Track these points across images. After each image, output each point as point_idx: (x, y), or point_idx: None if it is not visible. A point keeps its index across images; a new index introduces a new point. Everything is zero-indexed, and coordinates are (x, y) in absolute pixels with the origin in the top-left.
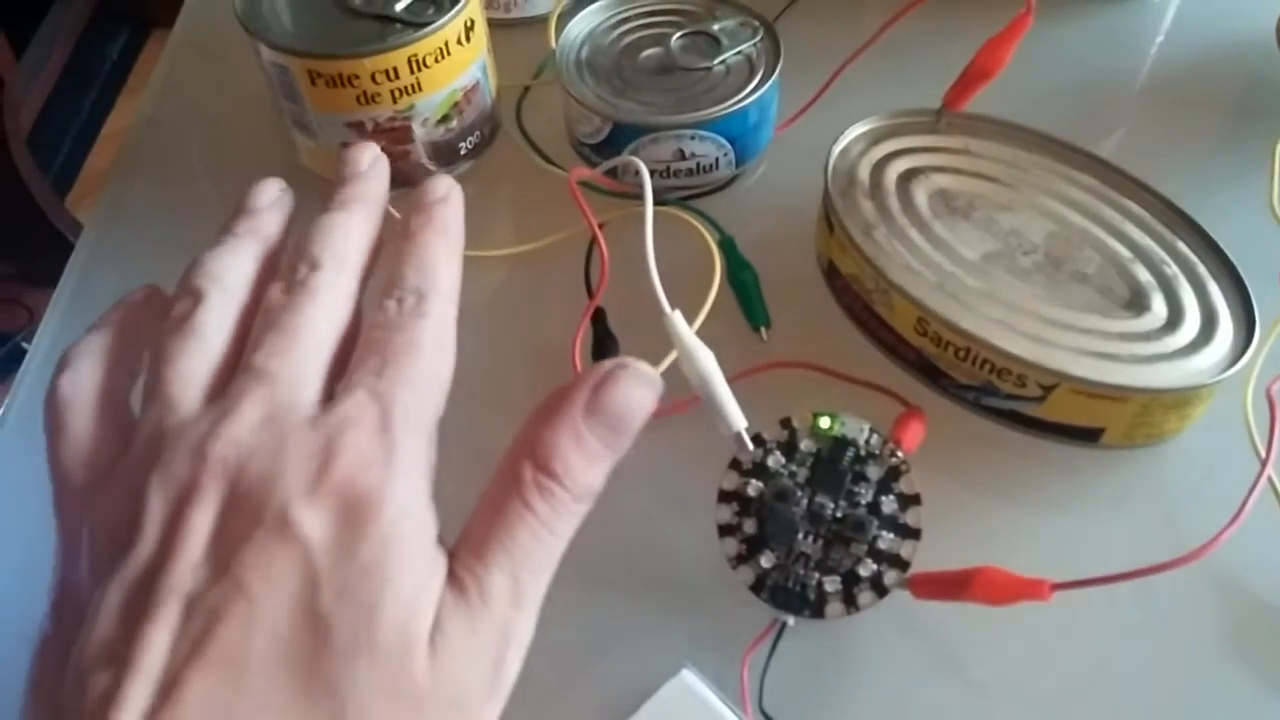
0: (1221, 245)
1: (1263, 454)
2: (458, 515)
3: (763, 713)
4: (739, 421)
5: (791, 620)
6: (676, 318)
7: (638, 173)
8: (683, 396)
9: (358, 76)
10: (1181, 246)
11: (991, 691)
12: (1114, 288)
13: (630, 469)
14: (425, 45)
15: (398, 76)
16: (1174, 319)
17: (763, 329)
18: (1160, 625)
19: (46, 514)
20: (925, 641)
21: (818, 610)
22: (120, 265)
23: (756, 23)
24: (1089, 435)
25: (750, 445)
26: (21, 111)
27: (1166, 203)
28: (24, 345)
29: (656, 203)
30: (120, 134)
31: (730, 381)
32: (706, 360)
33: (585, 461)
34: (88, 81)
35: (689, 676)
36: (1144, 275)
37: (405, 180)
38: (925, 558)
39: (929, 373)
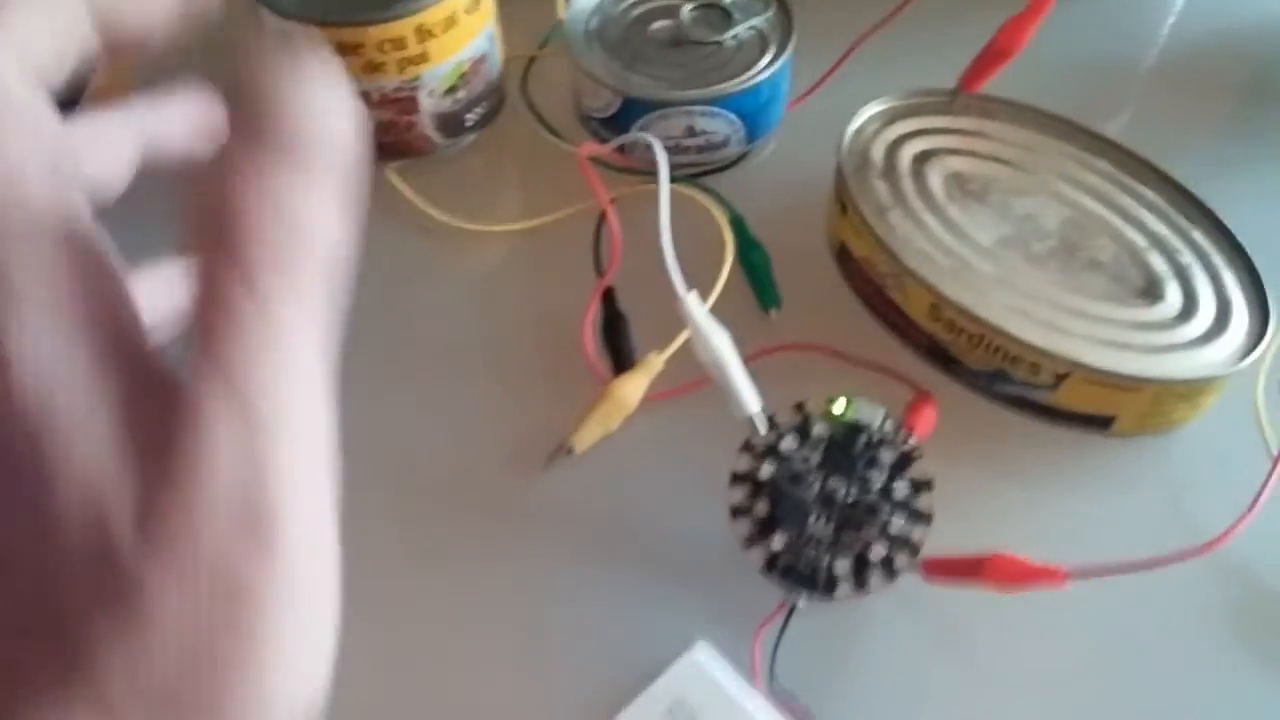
0: (1236, 235)
1: (1274, 447)
2: (461, 489)
3: (774, 685)
4: (753, 404)
5: (802, 601)
6: (692, 299)
7: (649, 148)
8: (693, 376)
9: (363, 45)
10: (1197, 235)
11: (998, 673)
12: (1128, 276)
13: (642, 450)
14: (432, 14)
15: (404, 46)
16: (1188, 309)
17: (773, 310)
18: (1169, 612)
19: None
20: (934, 623)
21: (828, 591)
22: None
23: None
24: (1100, 423)
25: (764, 427)
26: None
27: (1182, 190)
28: None
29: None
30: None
31: (741, 362)
32: (722, 342)
33: None
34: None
35: (704, 649)
36: (1159, 264)
37: (413, 150)
38: (936, 541)
39: (941, 358)
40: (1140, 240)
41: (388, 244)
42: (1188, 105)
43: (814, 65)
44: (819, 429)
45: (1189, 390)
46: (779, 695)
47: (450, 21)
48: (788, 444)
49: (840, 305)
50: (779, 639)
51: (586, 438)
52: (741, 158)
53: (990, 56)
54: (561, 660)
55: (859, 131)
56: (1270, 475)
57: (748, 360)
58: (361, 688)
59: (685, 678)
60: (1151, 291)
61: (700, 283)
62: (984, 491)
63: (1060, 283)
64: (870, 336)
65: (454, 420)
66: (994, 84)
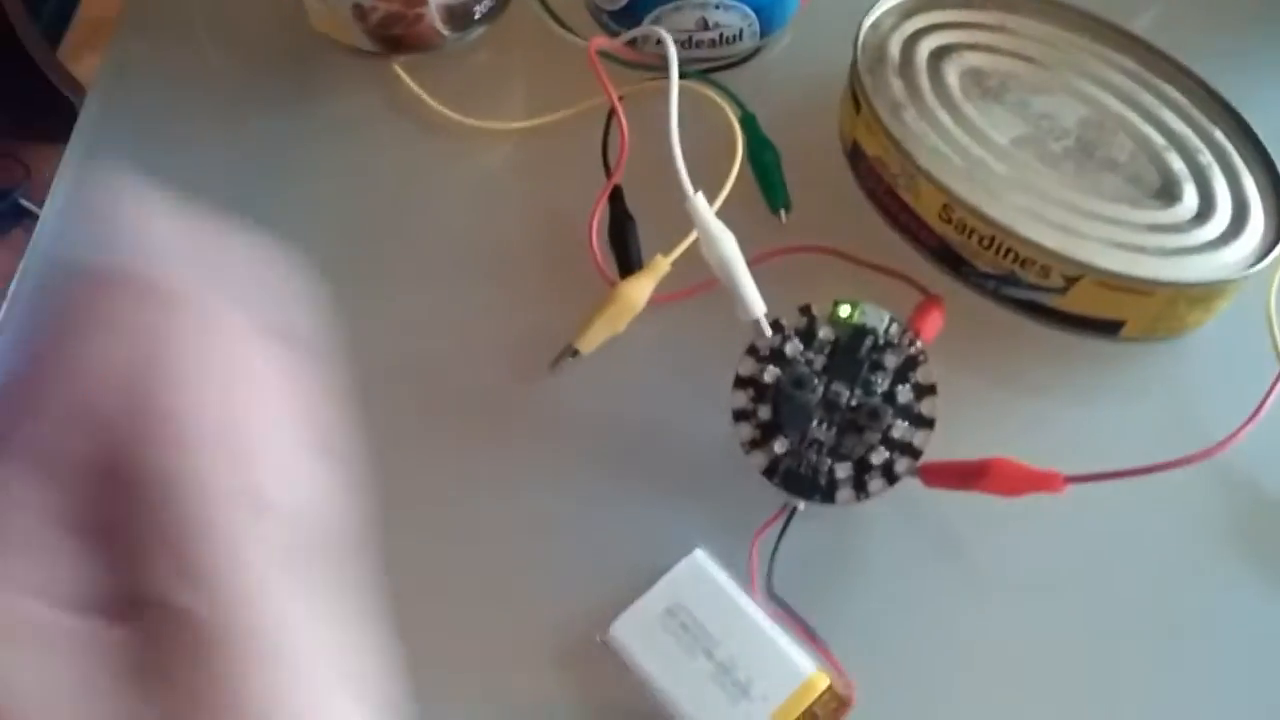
0: (1259, 134)
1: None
2: (465, 390)
3: (770, 593)
4: (758, 307)
5: (802, 505)
6: (699, 200)
7: (660, 42)
8: (700, 279)
9: None
10: (1218, 134)
11: (996, 580)
12: (1145, 176)
13: (647, 353)
14: None
15: None
16: (1204, 210)
17: (782, 211)
18: (1171, 519)
19: None
20: (933, 529)
21: (828, 496)
22: (129, 129)
23: None
24: (1109, 328)
25: (768, 331)
26: None
27: (1206, 88)
28: (21, 201)
29: (679, 76)
30: None
31: (748, 265)
32: (728, 244)
33: None
34: None
35: (701, 556)
36: (1177, 164)
37: (420, 44)
38: (938, 448)
39: (951, 261)
40: (1159, 139)
41: (394, 140)
42: (1219, 3)
43: None
44: (824, 332)
45: (1201, 294)
46: (775, 603)
47: None
48: (792, 347)
49: (851, 207)
50: (777, 544)
51: (592, 339)
52: (755, 53)
53: None
54: (563, 562)
55: (876, 25)
56: (1275, 383)
57: (756, 262)
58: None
59: (684, 581)
60: (1168, 193)
61: (710, 182)
62: (989, 398)
63: (1075, 183)
64: (880, 239)
65: (458, 321)
66: None
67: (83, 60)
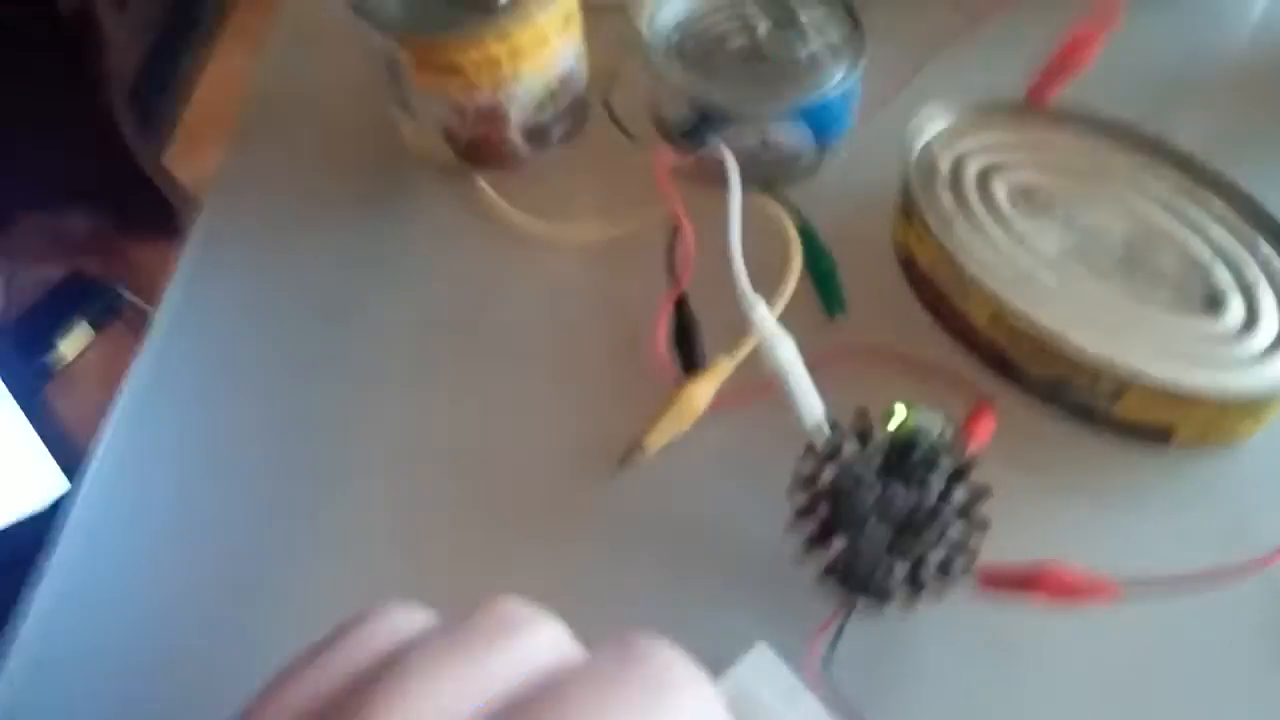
0: None
1: None
2: (532, 488)
3: (830, 688)
4: (816, 409)
5: (860, 605)
6: (761, 308)
7: (723, 161)
8: (761, 382)
9: (460, 63)
10: (1263, 246)
11: (1049, 687)
12: (1192, 288)
13: (708, 453)
14: (524, 35)
15: (498, 64)
16: (1251, 322)
17: (839, 316)
18: (1225, 631)
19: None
20: (987, 635)
21: (885, 595)
22: (237, 233)
23: (843, 12)
24: (1160, 435)
25: (827, 432)
26: (123, 65)
27: (1250, 201)
28: (123, 293)
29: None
30: (214, 90)
31: (807, 367)
32: (787, 350)
33: None
34: (185, 36)
35: (763, 650)
36: (1224, 276)
37: (499, 162)
38: (993, 550)
39: (1003, 366)
40: (1206, 252)
41: (477, 247)
42: (1261, 117)
43: (886, 75)
44: (879, 435)
45: (1250, 405)
46: (834, 698)
47: (541, 41)
48: (849, 450)
49: (905, 312)
50: (835, 643)
51: (659, 437)
52: (813, 168)
53: (1056, 70)
54: None
55: (926, 143)
56: None
57: (813, 365)
58: None
59: (746, 677)
60: (1215, 304)
61: (770, 288)
62: (1042, 502)
63: (1123, 294)
64: (934, 344)
65: (528, 421)
66: (1067, 93)
67: (184, 165)
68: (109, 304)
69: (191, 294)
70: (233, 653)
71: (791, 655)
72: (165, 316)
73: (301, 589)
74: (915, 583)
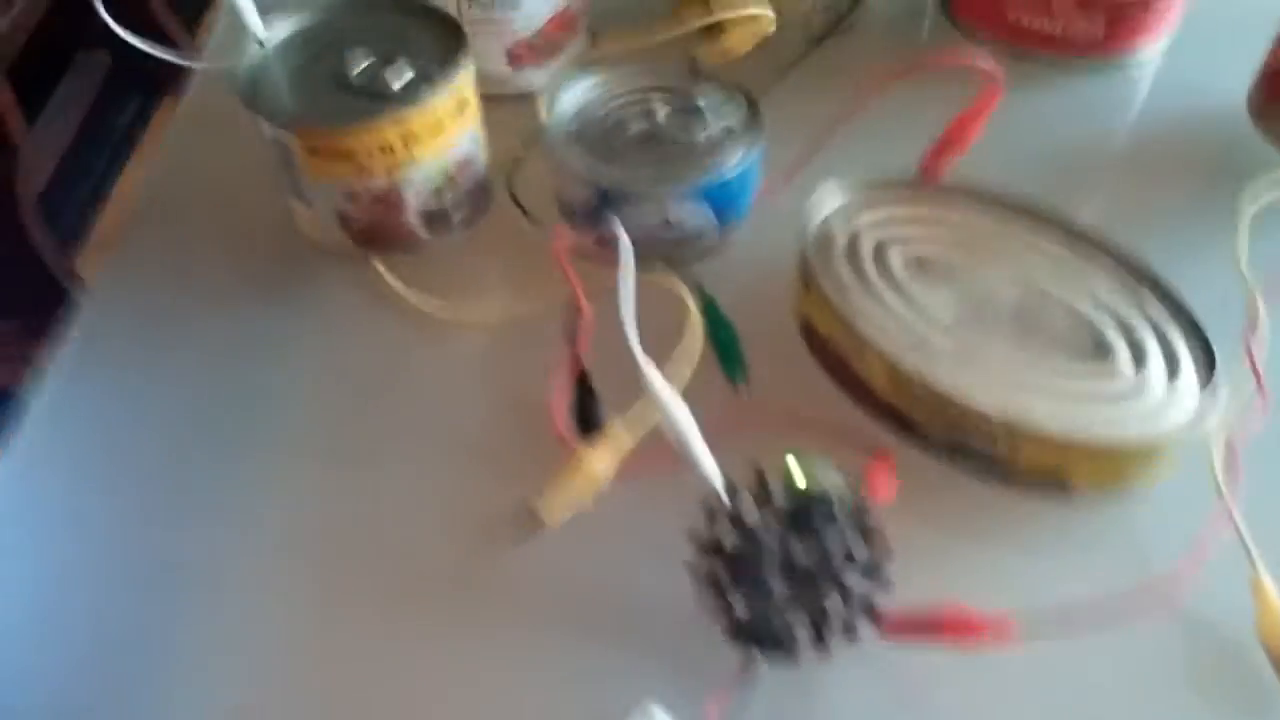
0: (1187, 304)
1: (1226, 504)
2: (431, 566)
3: None
4: (713, 473)
5: (763, 664)
6: (652, 373)
7: (616, 237)
8: (662, 451)
9: (352, 149)
10: (1149, 305)
11: None
12: (1082, 344)
13: (609, 517)
14: (418, 120)
15: (391, 149)
16: (1139, 376)
17: (741, 385)
18: (1127, 668)
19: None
20: (895, 684)
21: (789, 654)
22: (127, 320)
23: (741, 97)
24: (1059, 485)
25: (724, 495)
26: (34, 175)
27: (1135, 263)
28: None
29: (643, 268)
30: (131, 194)
31: (708, 434)
32: (681, 416)
33: None
34: (99, 147)
35: (658, 712)
36: (1112, 334)
37: (398, 245)
38: (898, 604)
39: (904, 426)
40: (1094, 312)
41: (374, 331)
42: (1148, 187)
43: (784, 154)
44: (779, 495)
45: (1140, 452)
46: None
47: (436, 127)
48: (748, 511)
49: (807, 379)
50: (740, 705)
51: (554, 505)
52: (715, 245)
53: (945, 147)
54: None
55: (824, 218)
56: (1214, 528)
57: (717, 432)
58: None
59: None
60: (1104, 360)
61: (671, 361)
62: (945, 554)
63: (1017, 354)
64: (836, 408)
65: (428, 500)
66: (959, 170)
67: (96, 270)
68: (11, 411)
69: (69, 384)
70: None
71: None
72: (39, 408)
73: (193, 681)
74: (819, 638)
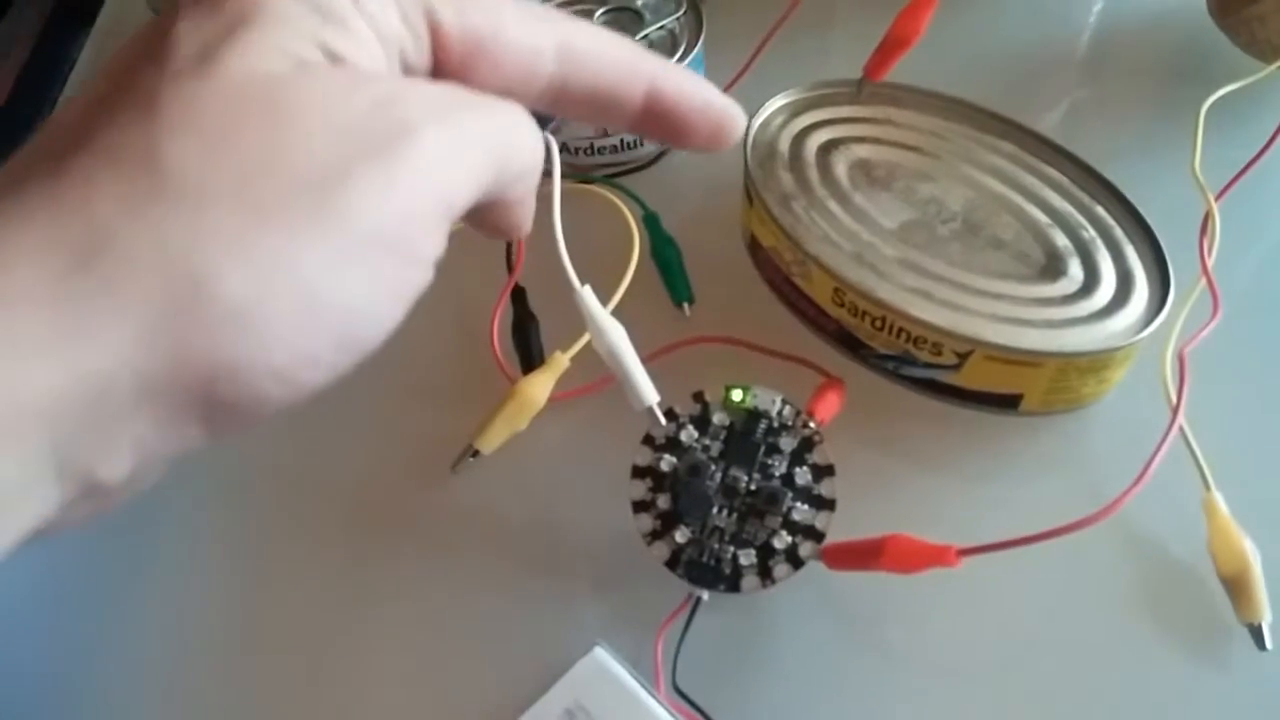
0: (1140, 209)
1: (1175, 418)
2: (369, 496)
3: (676, 689)
4: (650, 396)
5: (706, 595)
6: (586, 293)
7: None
8: (598, 376)
9: None
10: (1100, 211)
11: (908, 660)
12: (1030, 253)
13: (550, 450)
14: None
15: None
16: (1090, 283)
17: (686, 305)
18: (1073, 588)
19: None
20: (842, 612)
21: (733, 584)
22: None
23: None
24: (1007, 402)
25: (662, 420)
26: None
27: (1086, 168)
28: None
29: (583, 180)
30: None
31: (651, 358)
32: (615, 335)
33: None
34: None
35: (601, 654)
36: (1061, 240)
37: None
38: (844, 529)
39: (849, 343)
40: (1042, 217)
41: None
42: (1104, 89)
43: (727, 64)
44: (718, 418)
45: (1091, 364)
46: (677, 699)
47: None
48: (687, 435)
49: (753, 297)
50: (682, 637)
51: (492, 438)
52: (658, 158)
53: (890, 45)
54: (461, 665)
55: (765, 124)
56: (1161, 445)
57: (660, 354)
58: (263, 692)
59: (583, 681)
60: (1053, 267)
61: (614, 280)
62: (893, 476)
63: (963, 263)
64: (782, 326)
65: (361, 428)
66: (910, 72)
67: None
68: None
69: None
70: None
71: (636, 655)
72: None
73: (139, 614)
74: (763, 569)
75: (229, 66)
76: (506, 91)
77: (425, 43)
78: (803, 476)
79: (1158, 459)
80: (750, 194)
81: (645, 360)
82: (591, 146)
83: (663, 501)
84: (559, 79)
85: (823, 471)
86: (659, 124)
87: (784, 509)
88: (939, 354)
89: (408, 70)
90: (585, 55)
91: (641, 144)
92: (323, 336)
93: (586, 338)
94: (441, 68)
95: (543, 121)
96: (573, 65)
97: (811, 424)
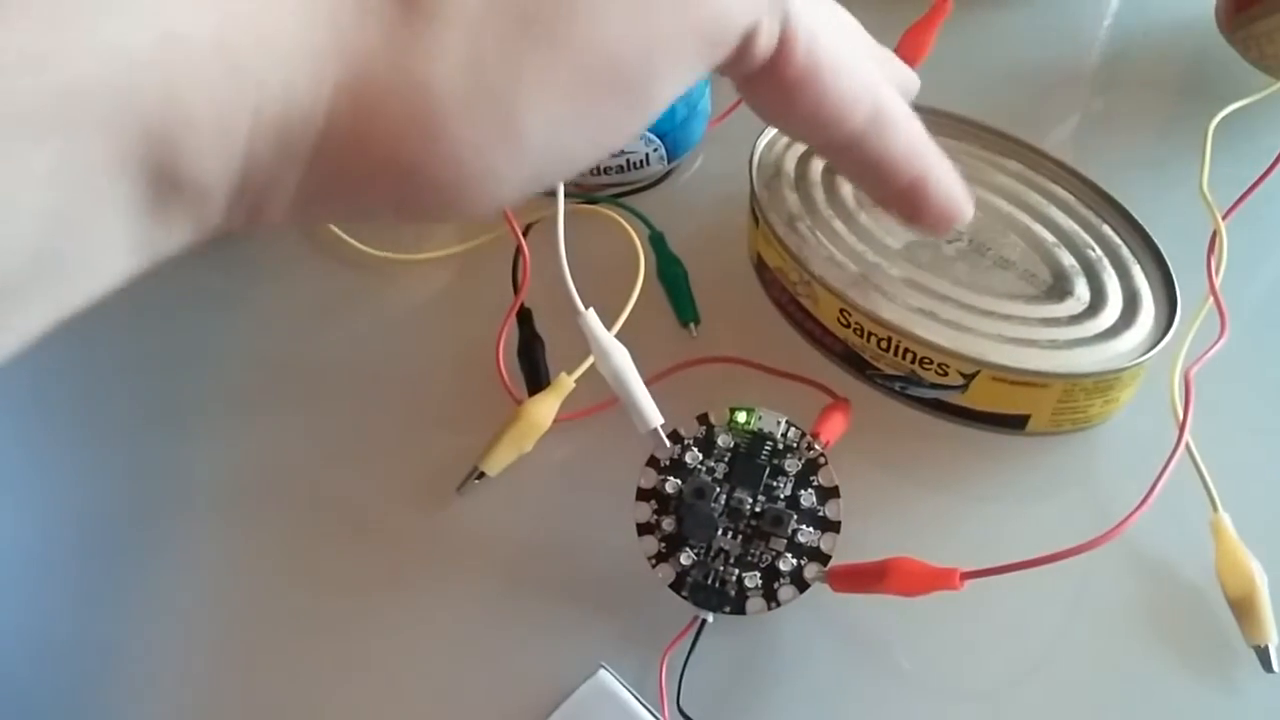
0: (1147, 227)
1: (1181, 438)
2: (376, 518)
3: (681, 712)
4: (654, 419)
5: (711, 617)
6: (590, 316)
7: None
8: (604, 398)
9: None
10: (1106, 230)
11: (914, 683)
12: (1037, 273)
13: (555, 471)
14: None
15: None
16: (1096, 303)
17: (692, 325)
18: (1079, 609)
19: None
20: (847, 634)
21: (738, 607)
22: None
23: None
24: (1014, 422)
25: (667, 442)
26: None
27: (1092, 186)
28: None
29: (588, 201)
30: None
31: (656, 379)
32: (619, 359)
33: None
34: None
35: (605, 677)
36: (1067, 259)
37: None
38: (850, 550)
39: (855, 364)
40: (1049, 237)
41: (311, 276)
42: (1110, 107)
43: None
44: (723, 440)
45: (1097, 384)
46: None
47: None
48: (692, 457)
49: (759, 318)
50: (687, 660)
51: (498, 460)
52: (665, 177)
53: None
54: (466, 687)
55: (771, 144)
56: (1166, 465)
57: (664, 375)
58: (266, 716)
59: (588, 704)
60: (1060, 287)
61: (619, 301)
62: (900, 497)
63: (969, 283)
64: (789, 347)
65: (370, 449)
66: (921, 89)
67: None
68: None
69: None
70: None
71: (641, 677)
72: None
73: (129, 635)
74: (768, 591)
75: None
76: (804, 130)
77: (774, 41)
78: (808, 498)
79: (1164, 480)
80: (756, 214)
81: (650, 380)
82: (598, 167)
83: (667, 524)
84: (856, 138)
85: (828, 493)
86: (900, 206)
87: (789, 531)
88: (945, 374)
89: (743, 55)
90: (888, 126)
91: (647, 164)
92: (506, 155)
93: (592, 359)
94: (764, 77)
95: None
96: (875, 130)
97: (816, 446)
